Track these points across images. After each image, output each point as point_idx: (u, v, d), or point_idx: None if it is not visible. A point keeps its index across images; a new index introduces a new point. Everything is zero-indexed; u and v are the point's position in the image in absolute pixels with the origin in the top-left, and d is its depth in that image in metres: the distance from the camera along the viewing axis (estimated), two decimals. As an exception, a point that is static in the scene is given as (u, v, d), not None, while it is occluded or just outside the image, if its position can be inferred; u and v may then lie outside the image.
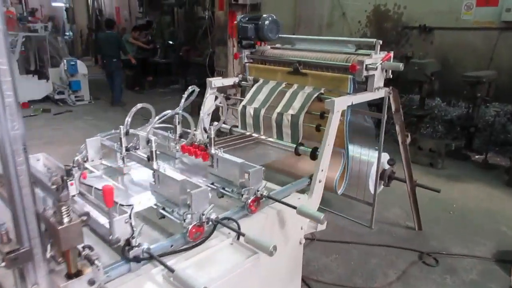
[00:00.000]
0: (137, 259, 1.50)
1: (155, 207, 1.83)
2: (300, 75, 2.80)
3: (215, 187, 2.08)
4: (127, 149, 2.20)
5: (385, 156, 3.52)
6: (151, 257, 1.53)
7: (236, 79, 3.17)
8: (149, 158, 1.96)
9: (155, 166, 1.94)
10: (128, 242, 1.49)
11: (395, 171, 3.50)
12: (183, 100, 2.35)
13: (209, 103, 3.07)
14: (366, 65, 2.44)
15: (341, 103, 2.34)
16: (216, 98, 2.99)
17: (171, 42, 11.18)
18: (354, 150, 3.43)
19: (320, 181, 2.35)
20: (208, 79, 3.05)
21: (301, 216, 2.18)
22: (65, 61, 8.79)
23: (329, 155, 2.37)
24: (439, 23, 6.86)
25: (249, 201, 1.92)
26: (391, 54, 2.54)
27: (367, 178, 3.28)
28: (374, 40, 2.55)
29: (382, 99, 2.77)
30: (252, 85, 3.01)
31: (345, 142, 2.64)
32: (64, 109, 8.62)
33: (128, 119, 2.23)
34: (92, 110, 8.60)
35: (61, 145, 6.10)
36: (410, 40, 7.31)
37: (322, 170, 2.35)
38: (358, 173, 3.43)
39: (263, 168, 2.00)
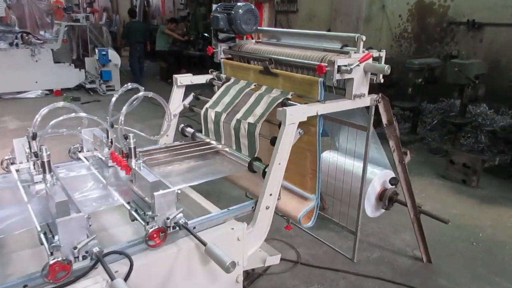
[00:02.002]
0: None
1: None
2: (270, 75, 2.35)
3: (129, 207, 1.73)
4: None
5: (388, 174, 2.97)
6: None
7: (209, 77, 2.79)
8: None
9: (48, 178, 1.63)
10: None
11: (398, 192, 2.94)
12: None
13: (175, 103, 2.73)
14: (339, 66, 1.94)
15: (296, 114, 1.88)
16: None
17: (206, 35, 10.97)
18: (349, 163, 2.93)
19: (268, 208, 1.92)
20: (175, 76, 2.70)
21: (237, 248, 1.79)
22: (97, 50, 8.89)
23: (280, 176, 1.93)
24: (491, 18, 5.94)
25: (150, 231, 1.55)
26: (372, 54, 2.01)
27: (362, 198, 2.77)
28: (356, 35, 2.04)
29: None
30: (222, 85, 2.61)
31: (317, 159, 2.17)
32: (93, 98, 8.74)
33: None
34: (120, 100, 8.62)
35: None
36: (456, 37, 6.44)
37: (270, 195, 1.91)
38: (350, 191, 2.93)
39: (176, 190, 1.62)
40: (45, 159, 1.62)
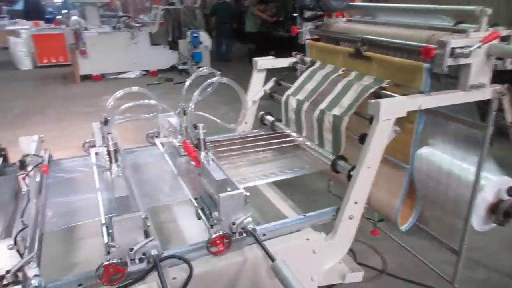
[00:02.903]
0: None
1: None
2: (362, 60, 2.01)
3: (195, 204, 1.59)
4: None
5: (506, 182, 2.42)
6: None
7: (293, 60, 2.52)
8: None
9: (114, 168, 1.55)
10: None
11: (518, 204, 2.40)
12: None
13: (255, 88, 2.53)
14: (453, 48, 1.54)
15: (393, 108, 1.54)
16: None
17: (295, 15, 10.59)
18: (452, 163, 2.45)
19: (351, 218, 1.63)
20: (254, 59, 2.49)
21: (312, 262, 1.56)
22: (189, 33, 9.13)
23: (369, 182, 1.61)
24: None
25: (214, 237, 1.38)
26: (499, 32, 1.55)
27: (469, 209, 2.31)
28: (477, 7, 1.59)
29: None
30: (306, 69, 2.33)
31: (410, 157, 1.81)
32: (184, 79, 9.01)
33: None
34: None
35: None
36: None
37: (356, 203, 1.62)
38: (454, 198, 2.46)
39: (245, 193, 1.42)
40: (111, 148, 1.54)
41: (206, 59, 9.43)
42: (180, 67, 9.44)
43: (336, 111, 1.87)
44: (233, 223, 1.40)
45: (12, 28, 11.53)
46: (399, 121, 1.60)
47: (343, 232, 1.62)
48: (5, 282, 1.14)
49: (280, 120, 2.36)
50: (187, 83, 1.97)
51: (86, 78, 8.95)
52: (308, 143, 2.06)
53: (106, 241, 1.32)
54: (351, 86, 1.93)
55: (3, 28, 12.31)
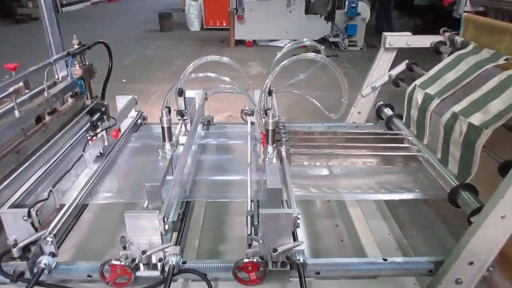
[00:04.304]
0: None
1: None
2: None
3: (249, 207, 1.28)
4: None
5: None
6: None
7: (437, 39, 1.88)
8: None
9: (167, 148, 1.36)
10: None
11: None
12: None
13: (379, 71, 2.01)
14: None
15: None
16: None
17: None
18: None
19: (459, 282, 1.09)
20: (384, 34, 1.95)
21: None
22: (347, 2, 8.46)
23: (501, 238, 1.03)
24: None
25: (244, 260, 1.06)
26: None
27: None
28: None
29: None
30: (451, 53, 1.70)
31: None
32: (333, 52, 8.51)
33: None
34: (356, 58, 8.08)
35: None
36: None
37: (471, 263, 1.07)
38: None
39: (295, 215, 1.04)
40: (165, 125, 1.33)
41: (360, 33, 8.65)
42: (331, 39, 8.90)
43: (476, 118, 1.27)
44: (274, 250, 1.05)
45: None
46: None
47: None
48: (15, 255, 1.07)
49: (400, 117, 1.82)
50: (278, 56, 1.61)
51: (240, 43, 9.28)
52: (427, 156, 1.49)
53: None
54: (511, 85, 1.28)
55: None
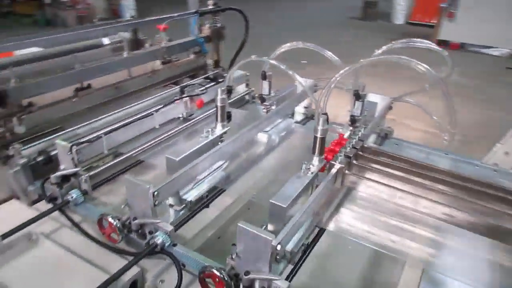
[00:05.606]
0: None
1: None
2: None
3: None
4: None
5: None
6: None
7: None
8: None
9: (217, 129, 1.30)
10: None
11: None
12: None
13: None
14: None
15: None
16: None
17: None
18: None
19: None
20: None
21: None
22: None
23: None
24: None
25: (210, 270, 0.93)
26: None
27: None
28: None
29: None
30: None
31: None
32: None
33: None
34: None
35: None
36: None
37: None
38: None
39: (274, 243, 0.85)
40: (219, 104, 1.25)
41: None
42: None
43: None
44: (246, 273, 0.88)
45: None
46: None
47: None
48: (52, 181, 1.20)
49: None
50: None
51: (443, 43, 8.17)
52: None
53: None
54: None
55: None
